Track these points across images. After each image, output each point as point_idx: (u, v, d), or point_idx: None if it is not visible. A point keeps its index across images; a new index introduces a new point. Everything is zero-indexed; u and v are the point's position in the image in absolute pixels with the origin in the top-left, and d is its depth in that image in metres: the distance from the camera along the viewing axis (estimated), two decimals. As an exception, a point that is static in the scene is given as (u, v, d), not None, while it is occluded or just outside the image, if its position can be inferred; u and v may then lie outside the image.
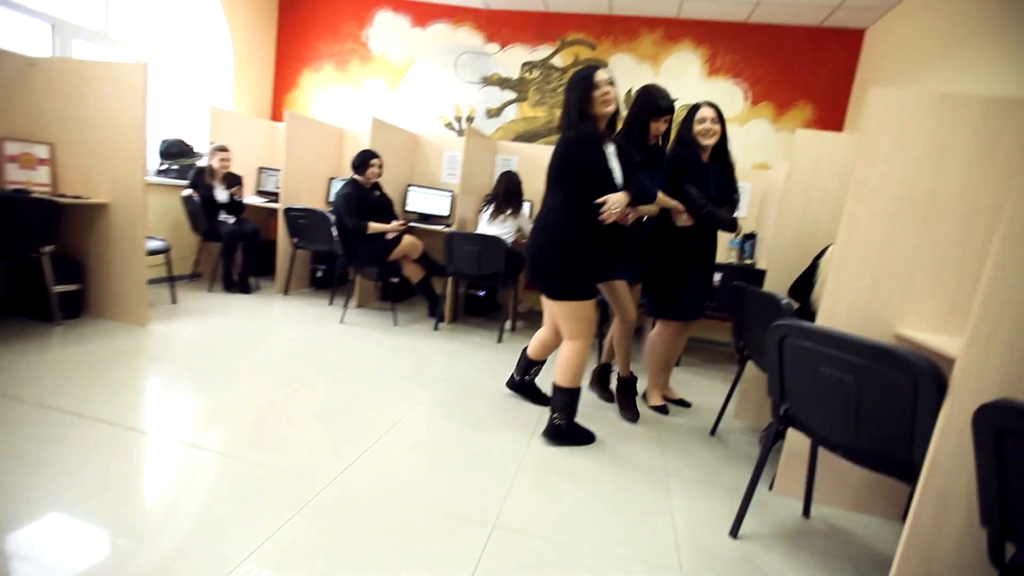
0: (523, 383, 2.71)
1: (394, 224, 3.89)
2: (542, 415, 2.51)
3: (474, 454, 2.10)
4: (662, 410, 2.76)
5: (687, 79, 4.54)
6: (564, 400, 2.23)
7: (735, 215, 2.53)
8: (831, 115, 4.31)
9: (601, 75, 2.07)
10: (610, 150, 2.14)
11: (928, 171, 1.72)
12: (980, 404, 0.91)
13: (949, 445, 1.15)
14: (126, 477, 1.66)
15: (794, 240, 2.58)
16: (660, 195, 2.39)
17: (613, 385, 2.82)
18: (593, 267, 2.17)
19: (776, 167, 4.17)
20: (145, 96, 2.89)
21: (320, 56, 5.19)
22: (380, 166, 3.90)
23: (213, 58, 4.77)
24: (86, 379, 2.32)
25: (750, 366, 2.54)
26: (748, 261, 3.94)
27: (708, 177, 2.46)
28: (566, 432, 2.26)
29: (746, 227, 4.14)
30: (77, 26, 3.67)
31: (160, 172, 4.41)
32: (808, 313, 2.11)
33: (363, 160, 3.82)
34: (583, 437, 2.29)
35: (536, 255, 2.18)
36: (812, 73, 4.33)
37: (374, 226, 3.76)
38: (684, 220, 2.45)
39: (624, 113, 2.34)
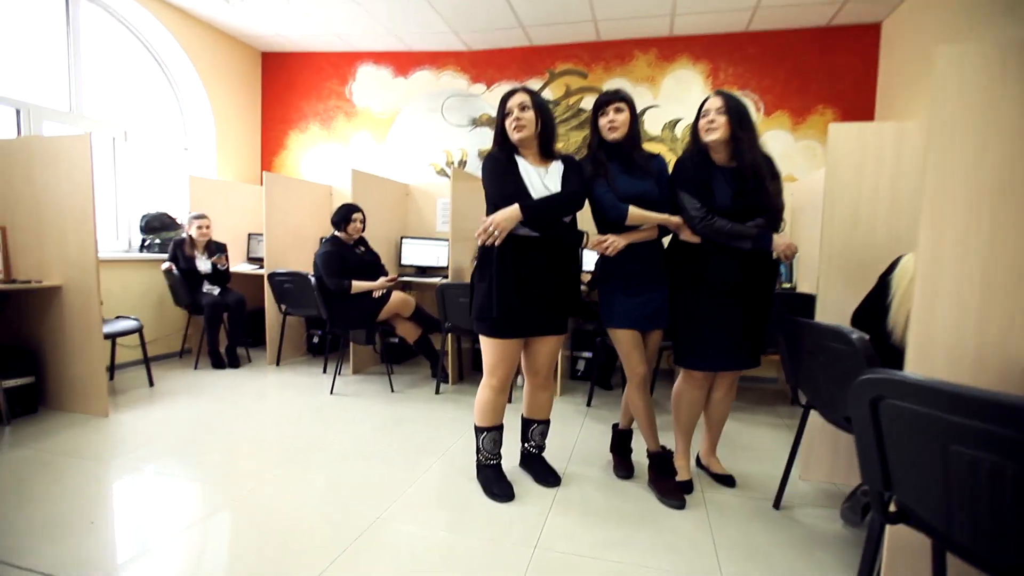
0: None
1: (380, 281, 3.53)
2: (556, 493, 2.08)
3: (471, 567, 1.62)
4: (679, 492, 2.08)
5: (689, 97, 4.19)
6: (477, 437, 2.12)
7: (773, 230, 1.93)
8: (856, 116, 3.87)
9: (514, 100, 1.94)
10: (529, 168, 1.96)
11: (1031, 143, 1.27)
12: None
13: None
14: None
15: (846, 255, 2.10)
16: (634, 210, 1.94)
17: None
18: (495, 301, 1.90)
19: (804, 178, 3.72)
20: (90, 169, 2.64)
21: (305, 116, 5.03)
22: (363, 220, 3.58)
23: (196, 129, 4.64)
24: (10, 499, 1.92)
25: (813, 413, 2.01)
26: (786, 285, 3.44)
27: (716, 183, 1.95)
28: (479, 474, 2.16)
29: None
30: (46, 108, 3.53)
31: (144, 247, 4.22)
32: (885, 346, 1.61)
33: (344, 215, 3.51)
34: (490, 488, 2.07)
35: None
36: (828, 75, 3.93)
37: (358, 285, 3.40)
38: (688, 235, 2.00)
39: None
